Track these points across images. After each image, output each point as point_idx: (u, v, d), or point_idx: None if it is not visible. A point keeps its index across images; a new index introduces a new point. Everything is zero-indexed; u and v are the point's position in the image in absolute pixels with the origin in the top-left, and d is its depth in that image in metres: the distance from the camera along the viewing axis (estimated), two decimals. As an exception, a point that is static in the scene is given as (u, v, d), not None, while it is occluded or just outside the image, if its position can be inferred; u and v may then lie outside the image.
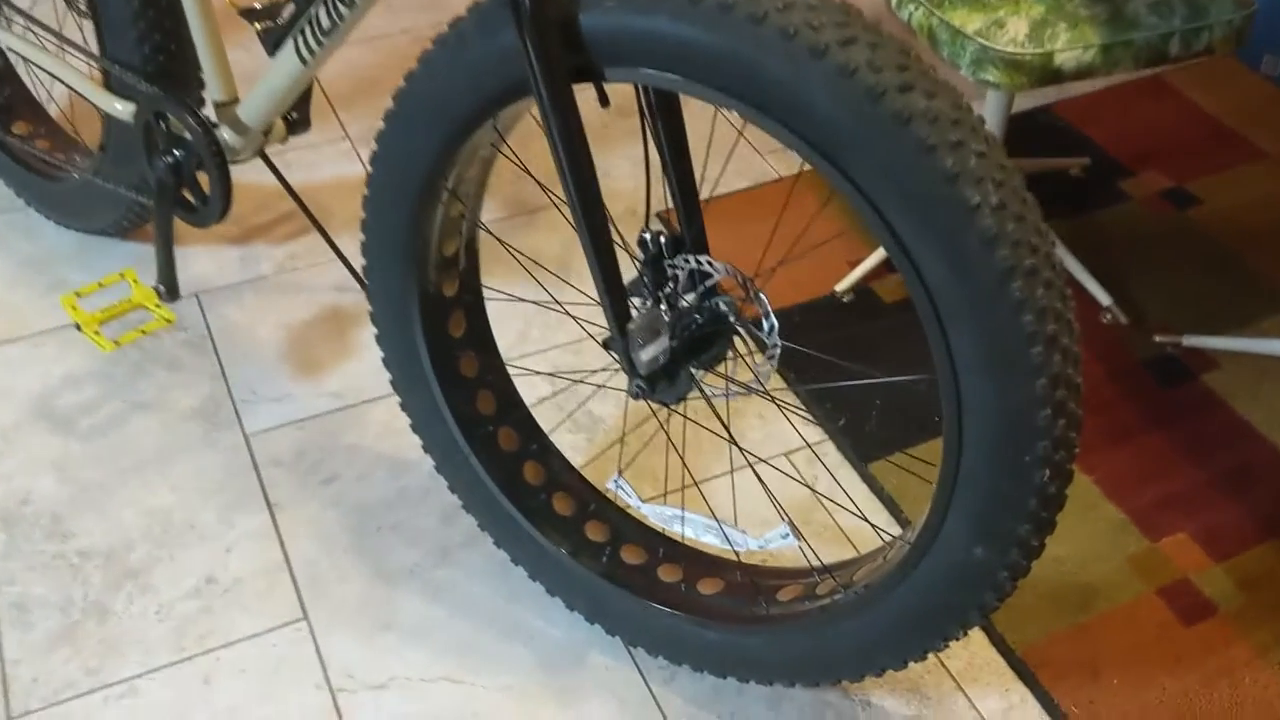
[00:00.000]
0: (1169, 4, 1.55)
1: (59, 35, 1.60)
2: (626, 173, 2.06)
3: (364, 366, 1.71)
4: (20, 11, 1.63)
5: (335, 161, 2.06)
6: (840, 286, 1.82)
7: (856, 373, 1.66)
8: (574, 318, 1.56)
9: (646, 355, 1.11)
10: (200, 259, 1.86)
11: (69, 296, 1.51)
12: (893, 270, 1.86)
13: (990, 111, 1.77)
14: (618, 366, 1.17)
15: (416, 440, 1.41)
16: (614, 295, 1.10)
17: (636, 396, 1.15)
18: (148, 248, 1.85)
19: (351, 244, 1.88)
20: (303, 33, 1.31)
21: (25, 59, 1.63)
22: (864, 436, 1.60)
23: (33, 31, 1.64)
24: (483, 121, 1.14)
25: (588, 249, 1.09)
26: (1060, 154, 2.07)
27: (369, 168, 1.24)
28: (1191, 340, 1.73)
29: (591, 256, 1.09)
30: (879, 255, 1.83)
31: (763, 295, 1.15)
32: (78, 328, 1.47)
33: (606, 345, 1.14)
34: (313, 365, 1.71)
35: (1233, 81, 2.26)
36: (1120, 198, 2.00)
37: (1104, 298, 1.77)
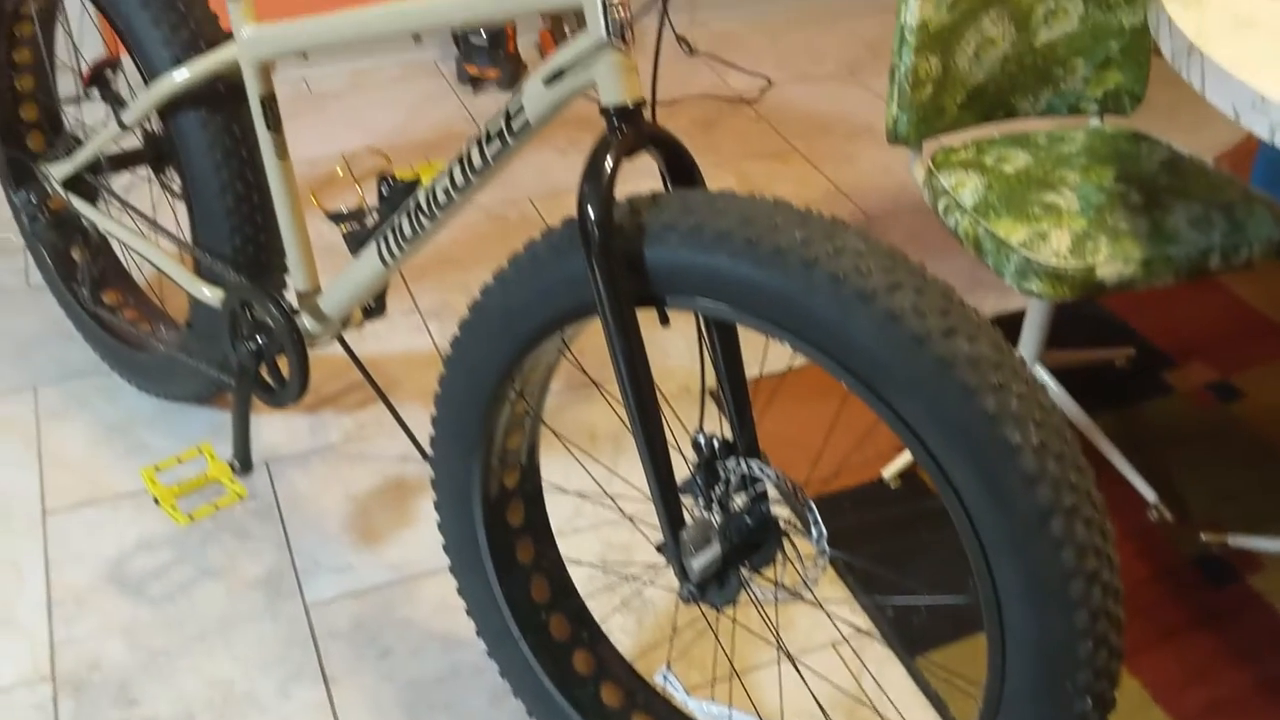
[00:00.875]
0: (1208, 219, 1.62)
1: (154, 223, 1.72)
2: (681, 350, 2.13)
3: (422, 538, 1.76)
4: (116, 196, 1.75)
5: (406, 334, 2.16)
6: (888, 473, 1.86)
7: (905, 589, 1.69)
8: (629, 518, 1.62)
9: (698, 563, 1.16)
10: (273, 426, 1.94)
11: (149, 470, 1.59)
12: (939, 458, 1.90)
13: (1033, 315, 1.83)
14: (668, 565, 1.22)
15: (469, 621, 1.46)
16: (669, 503, 1.15)
17: (688, 601, 1.19)
18: (223, 415, 1.95)
19: (417, 414, 1.97)
20: (386, 238, 1.41)
21: (120, 242, 1.74)
22: (912, 629, 1.63)
23: (129, 215, 1.76)
24: (550, 335, 1.22)
25: (645, 459, 1.14)
26: (1105, 345, 2.11)
27: (443, 369, 1.32)
28: (1237, 540, 1.74)
29: (648, 466, 1.15)
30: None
31: (812, 504, 1.20)
32: (156, 501, 1.54)
33: (660, 549, 1.19)
34: (373, 535, 1.77)
35: (1277, 276, 2.31)
36: (1164, 390, 2.04)
37: (1149, 494, 1.80)
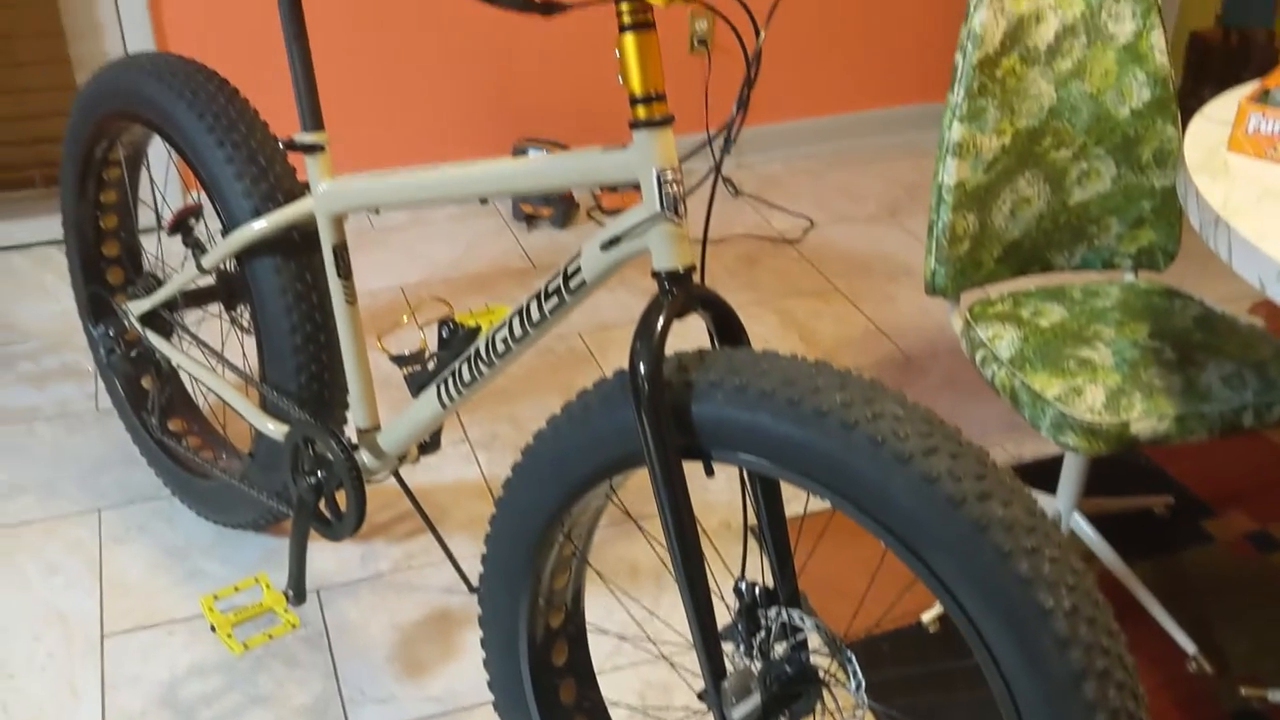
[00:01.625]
0: (1241, 377, 1.66)
1: (224, 359, 1.81)
2: (723, 485, 2.18)
3: (465, 671, 1.80)
4: (191, 334, 1.85)
5: (455, 464, 2.22)
6: (926, 617, 1.88)
7: None
8: (670, 662, 1.65)
9: (739, 713, 1.19)
10: (324, 554, 2.00)
11: (208, 598, 1.65)
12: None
13: (1071, 463, 1.86)
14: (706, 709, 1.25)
15: None
16: (711, 652, 1.19)
17: (729, 750, 1.22)
18: (276, 542, 2.01)
19: (464, 545, 2.02)
20: (446, 382, 1.48)
21: (190, 375, 1.83)
22: (948, 778, 1.63)
23: (200, 350, 1.85)
24: (600, 482, 1.27)
25: (688, 607, 1.19)
26: (1144, 492, 2.14)
27: (495, 510, 1.37)
28: (1277, 696, 1.74)
29: (692, 615, 1.19)
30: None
31: (852, 655, 1.23)
32: (213, 629, 1.60)
33: (702, 697, 1.22)
34: (418, 667, 1.80)
35: (1315, 424, 2.33)
36: (1204, 538, 2.05)
37: (1189, 646, 1.80)
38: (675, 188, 1.17)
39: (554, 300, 1.31)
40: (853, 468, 1.05)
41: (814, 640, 1.26)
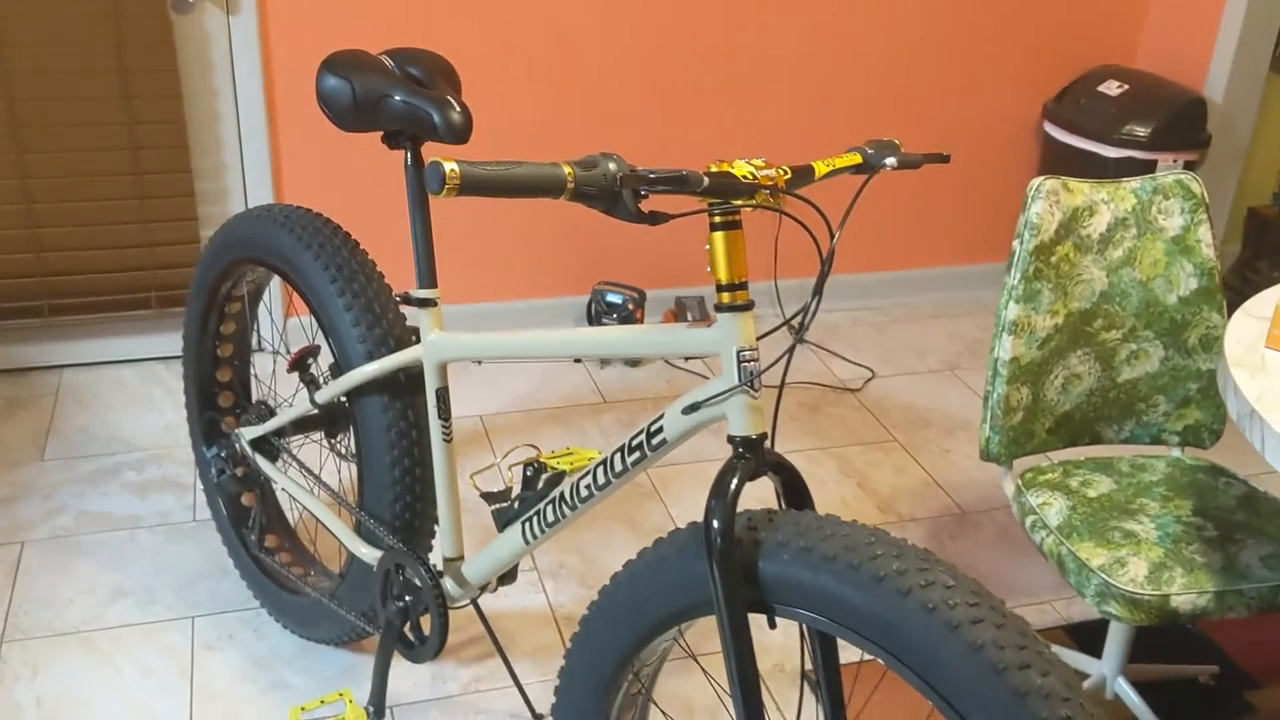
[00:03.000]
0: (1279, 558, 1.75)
1: (324, 484, 1.97)
2: (780, 631, 2.27)
3: (528, 796, 1.89)
4: (299, 461, 2.01)
5: (523, 591, 2.34)
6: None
7: None
8: None
9: None
10: (398, 672, 2.12)
11: (295, 710, 1.77)
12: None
13: (1116, 629, 1.94)
14: None
15: None
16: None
17: None
18: (355, 658, 2.14)
19: (529, 671, 2.13)
20: (530, 521, 1.62)
21: (292, 497, 1.99)
22: None
23: (303, 475, 2.01)
24: (670, 627, 1.39)
25: (748, 751, 1.29)
26: (1190, 660, 2.20)
27: (571, 648, 1.49)
28: None
29: (753, 760, 1.29)
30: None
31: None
32: (300, 739, 1.72)
33: (757, 837, 1.32)
34: (483, 789, 1.90)
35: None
36: (1247, 710, 2.10)
37: (1229, 817, 1.85)
38: (753, 364, 1.31)
39: (636, 455, 1.45)
40: (905, 631, 1.16)
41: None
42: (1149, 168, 3.32)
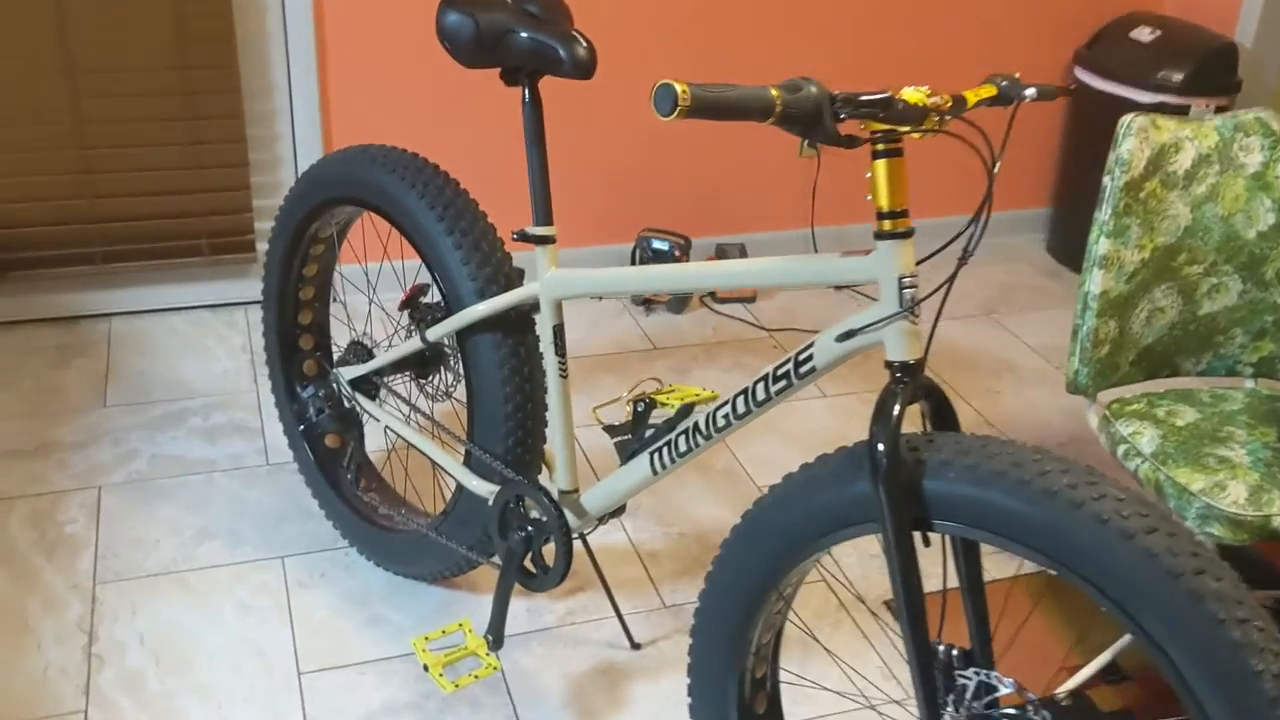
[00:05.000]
0: (1368, 479, 1.82)
1: (437, 422, 1.99)
2: (856, 560, 2.33)
3: (637, 718, 1.95)
4: (404, 398, 2.03)
5: (603, 531, 2.39)
6: (1060, 691, 2.02)
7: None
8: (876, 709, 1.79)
9: (958, 760, 1.34)
10: (490, 606, 2.15)
11: (419, 640, 1.81)
12: (1110, 680, 2.05)
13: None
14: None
15: None
16: (931, 711, 1.34)
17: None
18: (449, 593, 2.17)
19: (620, 603, 2.17)
20: (660, 451, 1.65)
21: (403, 438, 2.01)
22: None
23: (417, 416, 2.03)
24: (821, 548, 1.44)
25: (913, 665, 1.34)
26: (1258, 585, 2.28)
27: (714, 570, 1.53)
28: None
29: (915, 673, 1.34)
30: (1099, 663, 2.04)
31: (1048, 715, 1.38)
32: (425, 669, 1.75)
33: (917, 745, 1.37)
34: (591, 713, 1.95)
35: None
36: (1315, 632, 2.18)
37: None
38: (914, 291, 1.35)
39: (782, 383, 1.49)
40: (1079, 543, 1.22)
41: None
42: (1181, 113, 3.37)
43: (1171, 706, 2.02)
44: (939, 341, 3.22)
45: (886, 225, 1.34)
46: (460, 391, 1.98)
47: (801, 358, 1.46)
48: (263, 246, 3.09)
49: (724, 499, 2.50)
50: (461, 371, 1.95)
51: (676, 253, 3.24)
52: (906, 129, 1.29)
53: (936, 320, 1.40)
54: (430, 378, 2.08)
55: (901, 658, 2.10)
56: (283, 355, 2.30)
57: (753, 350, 3.11)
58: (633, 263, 3.33)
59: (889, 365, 1.37)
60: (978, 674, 1.42)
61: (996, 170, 1.32)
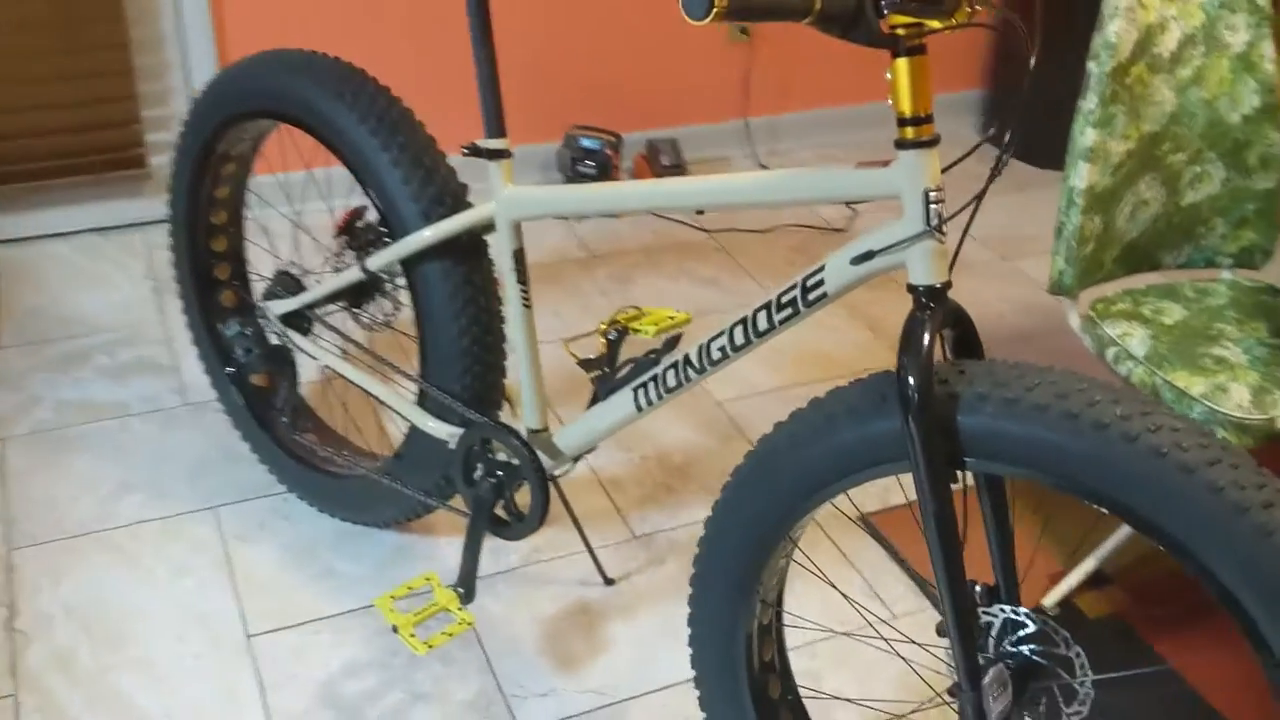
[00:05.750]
0: (1365, 373, 1.76)
1: (384, 360, 1.82)
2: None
3: (618, 662, 1.83)
4: (342, 333, 1.85)
5: (561, 457, 2.25)
6: (1048, 601, 1.96)
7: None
8: (902, 657, 1.70)
9: (998, 709, 1.25)
10: (454, 550, 2.02)
11: (384, 599, 1.66)
12: (1094, 586, 2.01)
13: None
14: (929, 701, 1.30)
15: None
16: (969, 657, 1.25)
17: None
18: (402, 538, 2.03)
19: (589, 537, 2.04)
20: (644, 387, 1.51)
21: (345, 378, 1.83)
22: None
23: (364, 355, 1.85)
24: (839, 489, 1.31)
25: (948, 607, 1.24)
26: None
27: (716, 513, 1.41)
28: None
29: (951, 615, 1.24)
30: (1082, 572, 1.98)
31: (1079, 650, 1.29)
32: (395, 629, 1.61)
33: (952, 693, 1.28)
34: (570, 660, 1.84)
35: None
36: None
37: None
38: (941, 205, 1.21)
39: (787, 311, 1.35)
40: (1134, 479, 1.11)
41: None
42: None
43: (1155, 609, 1.99)
44: (884, 235, 3.11)
45: (910, 133, 1.19)
46: (401, 322, 1.81)
47: (810, 283, 1.32)
48: (156, 161, 2.82)
49: (684, 418, 2.38)
50: (400, 298, 1.78)
51: (608, 150, 3.05)
52: (938, 23, 1.13)
53: (963, 238, 1.26)
54: (365, 306, 1.89)
55: (884, 576, 2.03)
56: (198, 288, 2.08)
57: (696, 254, 2.96)
58: (561, 163, 3.14)
59: (913, 290, 1.23)
60: (1003, 610, 1.33)
61: (1035, 58, 1.17)
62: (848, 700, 1.78)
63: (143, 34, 2.69)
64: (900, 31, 1.12)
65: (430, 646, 1.61)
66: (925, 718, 1.76)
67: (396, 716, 1.72)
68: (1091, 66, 1.81)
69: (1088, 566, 2.00)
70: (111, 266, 2.76)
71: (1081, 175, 1.83)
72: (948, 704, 1.32)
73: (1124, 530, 1.99)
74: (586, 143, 3.05)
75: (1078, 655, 1.30)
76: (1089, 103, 1.82)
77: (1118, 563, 2.05)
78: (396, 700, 1.75)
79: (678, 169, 3.15)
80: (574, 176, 3.05)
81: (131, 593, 1.90)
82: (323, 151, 1.74)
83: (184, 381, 2.38)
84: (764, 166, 3.40)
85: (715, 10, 0.95)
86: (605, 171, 3.05)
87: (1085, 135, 1.82)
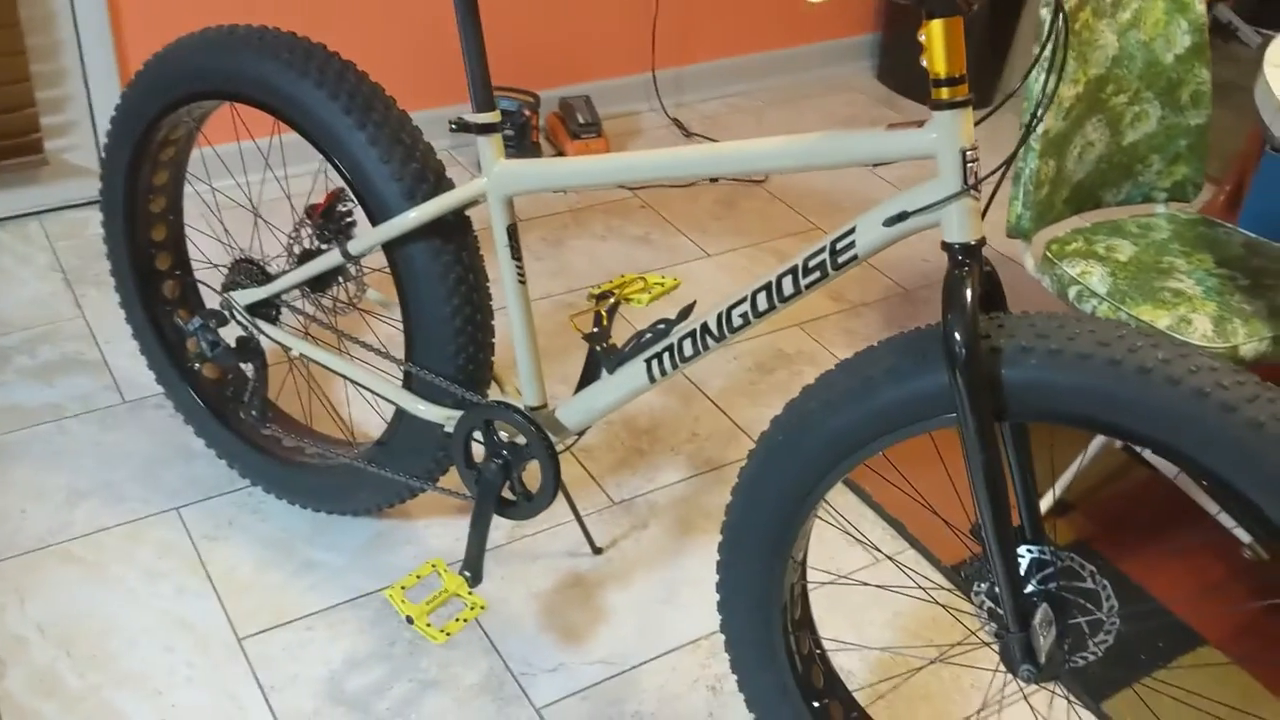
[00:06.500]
0: (1308, 297, 1.87)
1: (367, 346, 1.76)
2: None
3: (621, 631, 1.84)
4: (322, 321, 1.78)
5: (528, 429, 2.22)
6: (1019, 534, 2.04)
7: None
8: (939, 604, 1.73)
9: (1046, 644, 1.30)
10: (437, 531, 1.98)
11: (396, 590, 1.62)
12: (1059, 514, 2.10)
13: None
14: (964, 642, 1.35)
15: (700, 705, 1.56)
16: (1018, 599, 1.29)
17: (1030, 681, 1.32)
18: (381, 524, 1.98)
19: (562, 506, 2.03)
20: (658, 358, 1.50)
21: (325, 366, 1.76)
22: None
23: (344, 344, 1.78)
24: (871, 449, 1.33)
25: (995, 554, 1.28)
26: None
27: (750, 474, 1.41)
28: (1332, 572, 2.00)
29: (999, 564, 1.28)
30: (1048, 501, 2.07)
31: (1106, 583, 1.35)
32: (409, 621, 1.57)
33: (999, 635, 1.33)
34: (573, 633, 1.83)
35: None
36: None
37: (1244, 537, 2.03)
38: (976, 164, 1.23)
39: (815, 275, 1.35)
40: (1180, 421, 1.16)
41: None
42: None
43: (1116, 533, 2.09)
44: (799, 184, 3.15)
45: (945, 94, 1.20)
46: (365, 301, 1.76)
47: (840, 245, 1.32)
48: (53, 145, 2.65)
49: (641, 378, 2.37)
50: (366, 280, 1.73)
51: (526, 111, 2.99)
52: (977, -14, 1.14)
53: (994, 194, 1.29)
54: (330, 289, 1.82)
55: (861, 522, 2.08)
56: (138, 281, 1.97)
57: (622, 213, 2.94)
58: (476, 127, 3.06)
59: (949, 248, 1.25)
60: (1030, 551, 1.37)
61: (1061, 22, 1.20)
62: (882, 650, 1.82)
63: (33, 12, 2.51)
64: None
65: (448, 634, 1.58)
66: (945, 664, 1.82)
67: (408, 706, 1.70)
68: (1044, 13, 1.85)
69: (1052, 495, 2.09)
70: (14, 260, 2.59)
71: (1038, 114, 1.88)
72: (987, 645, 1.37)
73: (1083, 456, 2.08)
74: (504, 104, 2.98)
75: (1104, 588, 1.36)
76: (1046, 51, 1.86)
77: (1075, 490, 2.14)
78: (405, 690, 1.72)
79: (593, 127, 3.12)
80: (492, 140, 2.98)
81: (106, 604, 1.81)
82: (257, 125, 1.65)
83: (117, 377, 2.26)
84: (675, 120, 3.39)
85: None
86: (524, 134, 2.99)
87: (1041, 81, 1.87)
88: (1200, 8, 2.02)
